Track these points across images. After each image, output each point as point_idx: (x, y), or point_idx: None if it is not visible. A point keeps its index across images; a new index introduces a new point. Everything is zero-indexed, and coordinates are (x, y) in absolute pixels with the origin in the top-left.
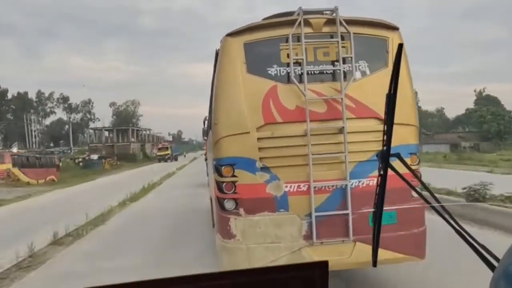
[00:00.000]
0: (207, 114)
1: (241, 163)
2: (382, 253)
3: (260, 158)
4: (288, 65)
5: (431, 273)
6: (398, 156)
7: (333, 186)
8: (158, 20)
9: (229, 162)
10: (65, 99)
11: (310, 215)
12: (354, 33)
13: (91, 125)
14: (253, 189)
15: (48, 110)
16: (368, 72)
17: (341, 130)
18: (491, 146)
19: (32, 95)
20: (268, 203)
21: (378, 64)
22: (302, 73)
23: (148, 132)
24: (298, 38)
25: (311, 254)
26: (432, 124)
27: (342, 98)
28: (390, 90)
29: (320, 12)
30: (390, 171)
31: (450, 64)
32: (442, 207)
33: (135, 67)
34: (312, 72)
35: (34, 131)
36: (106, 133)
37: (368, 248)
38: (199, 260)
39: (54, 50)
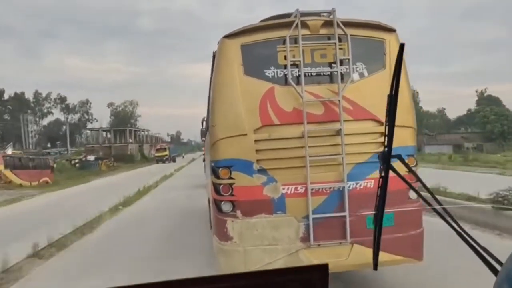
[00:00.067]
0: (205, 114)
1: (238, 165)
2: (380, 255)
3: (257, 160)
4: (285, 67)
5: (429, 274)
6: (399, 157)
7: (330, 188)
8: (157, 21)
9: (226, 164)
10: (62, 99)
11: (307, 217)
12: (351, 35)
13: (89, 125)
14: (250, 191)
15: (46, 110)
16: (365, 74)
17: (338, 132)
18: (494, 147)
19: (29, 95)
20: (265, 205)
21: (375, 66)
22: (299, 75)
23: (146, 132)
24: (295, 40)
25: (309, 256)
26: (433, 125)
27: (339, 100)
28: (391, 91)
29: (317, 14)
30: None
31: (450, 64)
32: (444, 209)
33: (134, 67)
34: (310, 74)
35: (31, 131)
36: (104, 134)
37: (366, 250)
38: None
39: (53, 51)
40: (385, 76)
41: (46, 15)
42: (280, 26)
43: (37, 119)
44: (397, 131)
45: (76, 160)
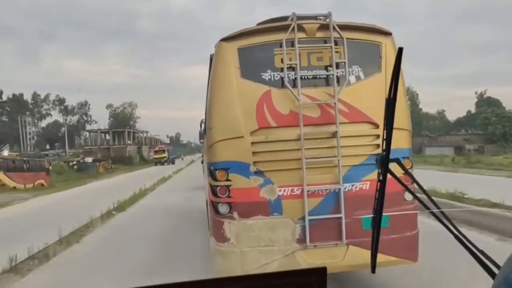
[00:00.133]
0: (204, 117)
1: (235, 167)
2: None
3: (254, 162)
4: (282, 70)
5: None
6: (397, 161)
7: (326, 190)
8: (156, 23)
9: (223, 166)
10: (61, 101)
11: (303, 218)
12: (347, 38)
13: (88, 127)
14: (247, 193)
15: (44, 112)
16: (361, 77)
17: (334, 135)
18: (496, 149)
19: (27, 96)
20: (262, 207)
21: (371, 69)
22: (295, 78)
23: (145, 134)
24: (292, 43)
25: (305, 258)
26: (433, 126)
27: (335, 103)
28: (389, 95)
29: (313, 17)
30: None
31: (449, 66)
32: (441, 212)
33: (134, 69)
34: (306, 77)
35: (30, 133)
36: (102, 136)
37: (361, 252)
38: None
39: (52, 52)
40: (381, 79)
41: (46, 16)
42: (277, 30)
43: (36, 121)
44: (392, 133)
45: (74, 162)
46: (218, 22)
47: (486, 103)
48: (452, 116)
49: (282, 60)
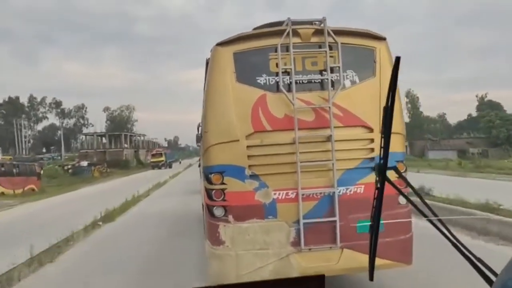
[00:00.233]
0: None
1: (231, 170)
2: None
3: (249, 166)
4: (277, 74)
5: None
6: (394, 169)
7: (321, 193)
8: (155, 27)
9: (218, 169)
10: (57, 104)
11: (298, 222)
12: (342, 43)
13: (85, 130)
14: (242, 196)
15: (40, 115)
16: (355, 81)
17: (328, 138)
18: (500, 152)
19: (24, 100)
20: (257, 210)
21: (365, 74)
22: (290, 82)
23: (142, 137)
24: (287, 48)
25: (299, 261)
26: (434, 130)
27: (329, 107)
28: (387, 103)
29: (308, 22)
30: (373, 178)
31: (448, 69)
32: (439, 219)
33: (132, 73)
34: (301, 81)
35: (26, 137)
36: (99, 139)
37: (356, 255)
38: None
39: (50, 55)
40: (375, 84)
41: (44, 19)
42: (272, 34)
43: (32, 124)
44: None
45: (69, 166)
46: (216, 26)
47: (487, 106)
48: (452, 119)
49: (277, 65)
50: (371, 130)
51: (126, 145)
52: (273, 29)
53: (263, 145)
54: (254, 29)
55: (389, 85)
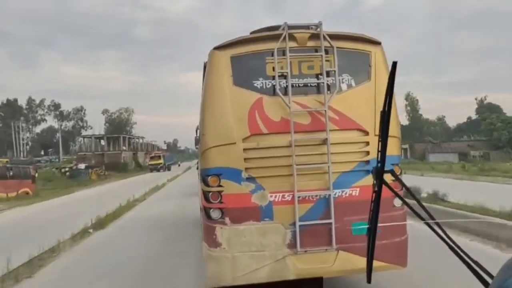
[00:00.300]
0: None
1: (227, 173)
2: (365, 262)
3: (246, 168)
4: (273, 78)
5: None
6: (392, 172)
7: (316, 196)
8: (154, 30)
9: (215, 172)
10: (56, 106)
11: (294, 224)
12: (337, 47)
13: (83, 133)
14: (238, 198)
15: (39, 117)
16: (351, 85)
17: (324, 141)
18: (501, 155)
19: (22, 102)
20: (253, 213)
21: (361, 78)
22: (287, 86)
23: (141, 140)
24: (283, 52)
25: (295, 263)
26: (434, 133)
27: (325, 110)
28: (384, 108)
29: (304, 27)
30: (369, 181)
31: (446, 73)
32: (436, 222)
33: (132, 75)
34: (297, 85)
35: (24, 139)
36: (97, 141)
37: (351, 257)
38: None
39: (49, 58)
40: (370, 87)
41: (44, 22)
42: (269, 39)
43: (30, 126)
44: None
45: (67, 169)
46: (216, 29)
47: (486, 109)
48: (451, 122)
49: (273, 69)
50: (366, 133)
51: (124, 148)
52: (269, 34)
53: (260, 148)
54: (251, 33)
55: (386, 90)
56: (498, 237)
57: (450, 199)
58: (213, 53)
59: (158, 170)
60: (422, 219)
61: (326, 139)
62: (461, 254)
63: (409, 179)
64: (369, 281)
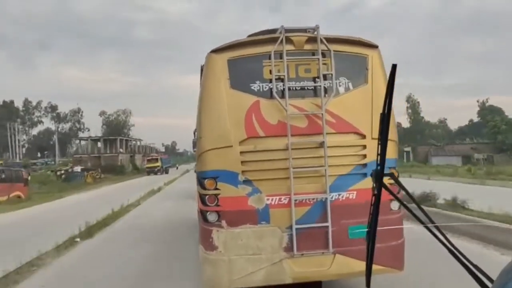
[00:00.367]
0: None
1: (224, 176)
2: (362, 265)
3: (243, 171)
4: (270, 81)
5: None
6: (391, 175)
7: (313, 199)
8: (154, 31)
9: (212, 175)
10: (53, 108)
11: (291, 227)
12: (334, 51)
13: (80, 135)
14: (235, 201)
15: (36, 119)
16: (348, 88)
17: (321, 145)
18: (505, 158)
19: (18, 103)
20: (250, 216)
21: (358, 81)
22: (284, 89)
23: (139, 142)
24: (280, 55)
25: (292, 266)
26: (436, 135)
27: (322, 114)
28: (383, 110)
29: (302, 30)
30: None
31: (447, 75)
32: (436, 225)
33: (131, 77)
34: (294, 88)
35: (20, 141)
36: (94, 144)
37: (348, 260)
38: None
39: (47, 60)
40: (367, 91)
41: (41, 24)
42: (266, 42)
43: (27, 128)
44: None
45: (62, 171)
46: (215, 30)
47: (488, 111)
48: (452, 125)
49: (270, 72)
50: (363, 136)
51: (121, 150)
52: (266, 37)
53: (257, 151)
54: (249, 36)
55: (386, 92)
56: None
57: (470, 206)
58: (210, 56)
59: (156, 173)
60: (422, 222)
61: (323, 142)
62: (461, 258)
63: (416, 183)
64: (368, 285)
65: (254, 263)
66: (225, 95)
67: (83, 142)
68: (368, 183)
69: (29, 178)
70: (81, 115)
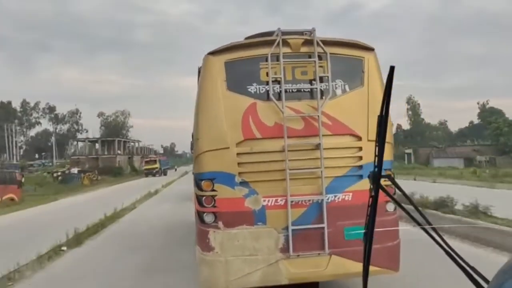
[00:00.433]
0: None
1: (221, 177)
2: (358, 266)
3: (239, 173)
4: (267, 83)
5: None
6: (389, 177)
7: (309, 200)
8: (153, 33)
9: (209, 176)
10: (51, 109)
11: (287, 228)
12: (330, 53)
13: (79, 136)
14: (232, 203)
15: (33, 120)
16: (344, 90)
17: (317, 146)
18: (508, 160)
19: (16, 104)
20: (247, 217)
21: (354, 83)
22: (280, 91)
23: (137, 144)
24: (277, 58)
25: (288, 267)
26: (437, 137)
27: (318, 116)
28: (381, 112)
29: (298, 32)
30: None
31: (446, 77)
32: (432, 227)
33: (130, 79)
34: (290, 90)
35: (18, 142)
36: (92, 145)
37: (343, 261)
38: None
39: (46, 62)
40: (363, 93)
41: (40, 26)
42: (263, 44)
43: (24, 130)
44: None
45: (59, 173)
46: (215, 32)
47: (489, 113)
48: (452, 126)
49: (267, 74)
50: (359, 138)
51: (119, 152)
52: (263, 39)
53: (253, 153)
54: (246, 38)
55: (384, 94)
56: None
57: (494, 213)
58: (207, 58)
59: (154, 175)
60: (418, 223)
61: (319, 144)
62: (457, 259)
63: (423, 187)
64: (365, 286)
65: (251, 264)
66: (222, 97)
67: (80, 144)
68: (364, 184)
69: (23, 180)
70: (79, 116)
